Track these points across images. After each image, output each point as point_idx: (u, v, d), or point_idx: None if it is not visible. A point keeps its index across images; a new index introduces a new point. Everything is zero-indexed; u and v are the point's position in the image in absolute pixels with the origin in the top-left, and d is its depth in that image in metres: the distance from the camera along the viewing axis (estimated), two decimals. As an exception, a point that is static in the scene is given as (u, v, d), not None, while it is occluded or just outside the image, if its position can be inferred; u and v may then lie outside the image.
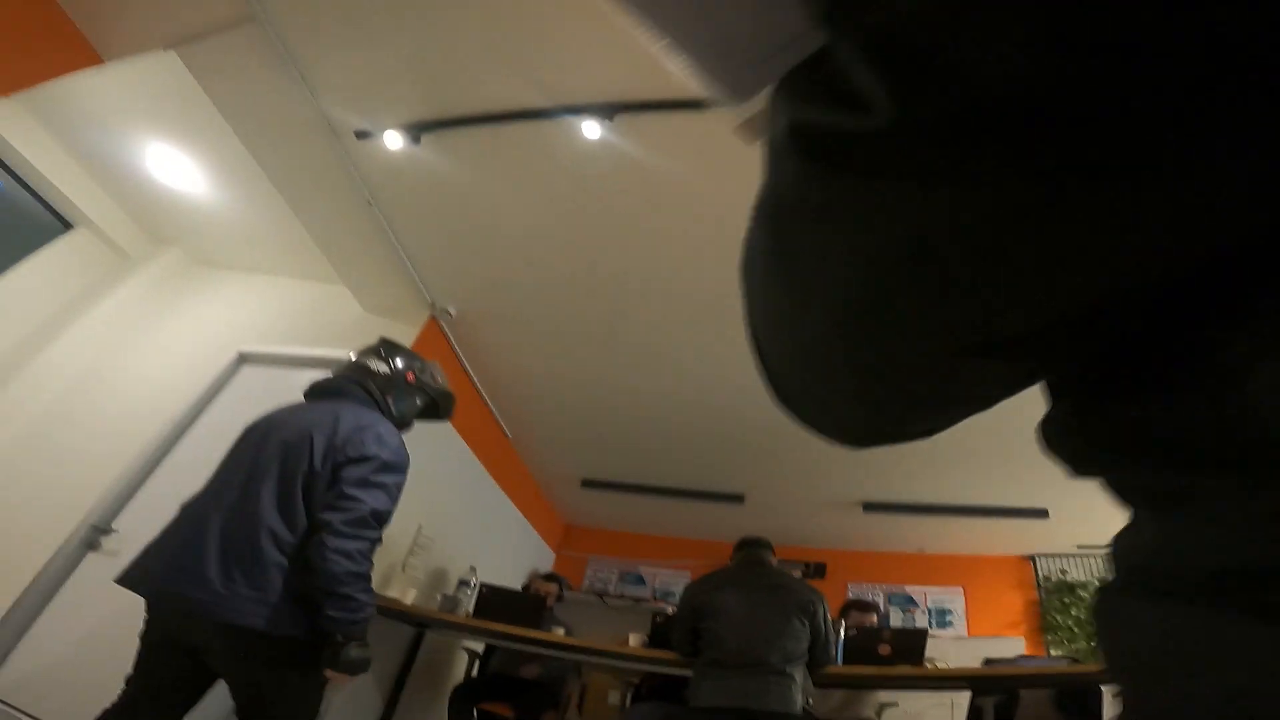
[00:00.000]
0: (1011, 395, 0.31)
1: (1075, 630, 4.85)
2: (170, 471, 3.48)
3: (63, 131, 3.65)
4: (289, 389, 3.61)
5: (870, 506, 5.14)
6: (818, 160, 0.23)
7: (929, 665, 3.04)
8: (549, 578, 4.32)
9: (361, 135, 2.77)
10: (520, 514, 5.31)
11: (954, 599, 5.98)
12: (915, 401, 0.31)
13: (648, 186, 2.74)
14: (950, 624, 5.88)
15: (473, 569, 3.90)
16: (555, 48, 2.29)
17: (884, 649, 2.91)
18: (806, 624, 2.55)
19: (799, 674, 2.44)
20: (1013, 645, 5.35)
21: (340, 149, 2.86)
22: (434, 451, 3.95)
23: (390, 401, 2.10)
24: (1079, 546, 5.87)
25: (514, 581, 4.35)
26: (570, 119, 2.49)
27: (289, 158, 3.02)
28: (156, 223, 4.21)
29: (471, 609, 3.51)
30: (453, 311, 3.77)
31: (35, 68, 2.47)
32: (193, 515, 1.78)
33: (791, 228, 0.27)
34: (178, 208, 3.97)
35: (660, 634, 3.10)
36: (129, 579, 1.74)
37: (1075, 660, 3.87)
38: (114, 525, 3.31)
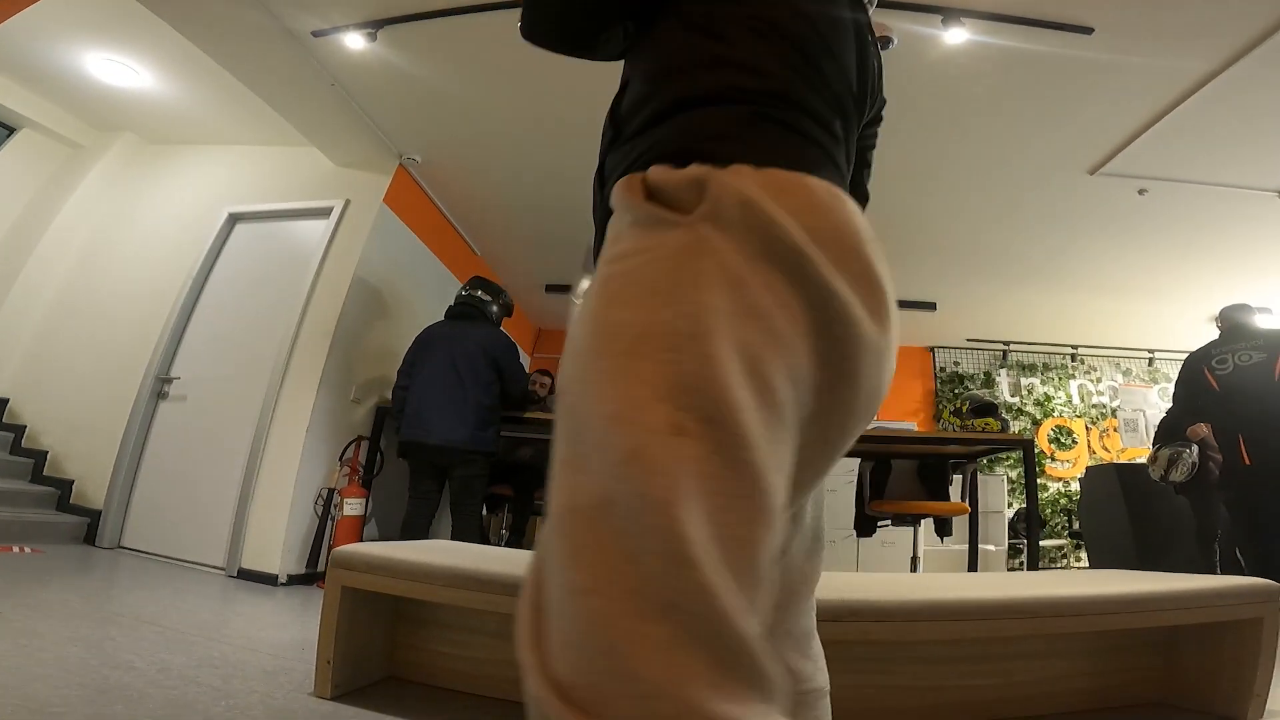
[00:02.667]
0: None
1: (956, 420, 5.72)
2: (203, 318, 4.06)
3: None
4: (283, 238, 4.20)
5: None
6: None
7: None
8: (542, 373, 5.02)
9: (319, 34, 3.06)
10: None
11: (867, 386, 7.05)
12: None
13: (575, 65, 3.15)
14: (864, 409, 6.99)
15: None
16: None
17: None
18: None
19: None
20: (906, 428, 6.38)
21: (299, 47, 3.15)
22: (422, 278, 4.58)
23: (495, 315, 3.75)
24: (968, 340, 6.93)
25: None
26: (505, 13, 2.82)
27: (249, 58, 3.30)
28: (101, 114, 4.45)
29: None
30: (419, 158, 4.22)
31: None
32: (425, 396, 3.38)
33: None
34: (122, 99, 4.21)
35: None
36: (414, 436, 3.37)
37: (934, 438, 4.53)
38: (173, 374, 3.95)
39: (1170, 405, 3.75)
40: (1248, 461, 3.14)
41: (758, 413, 0.50)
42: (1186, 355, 3.54)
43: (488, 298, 3.73)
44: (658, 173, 0.60)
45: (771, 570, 0.51)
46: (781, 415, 0.52)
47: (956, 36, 2.82)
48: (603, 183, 0.73)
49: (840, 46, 0.72)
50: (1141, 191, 3.97)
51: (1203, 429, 3.85)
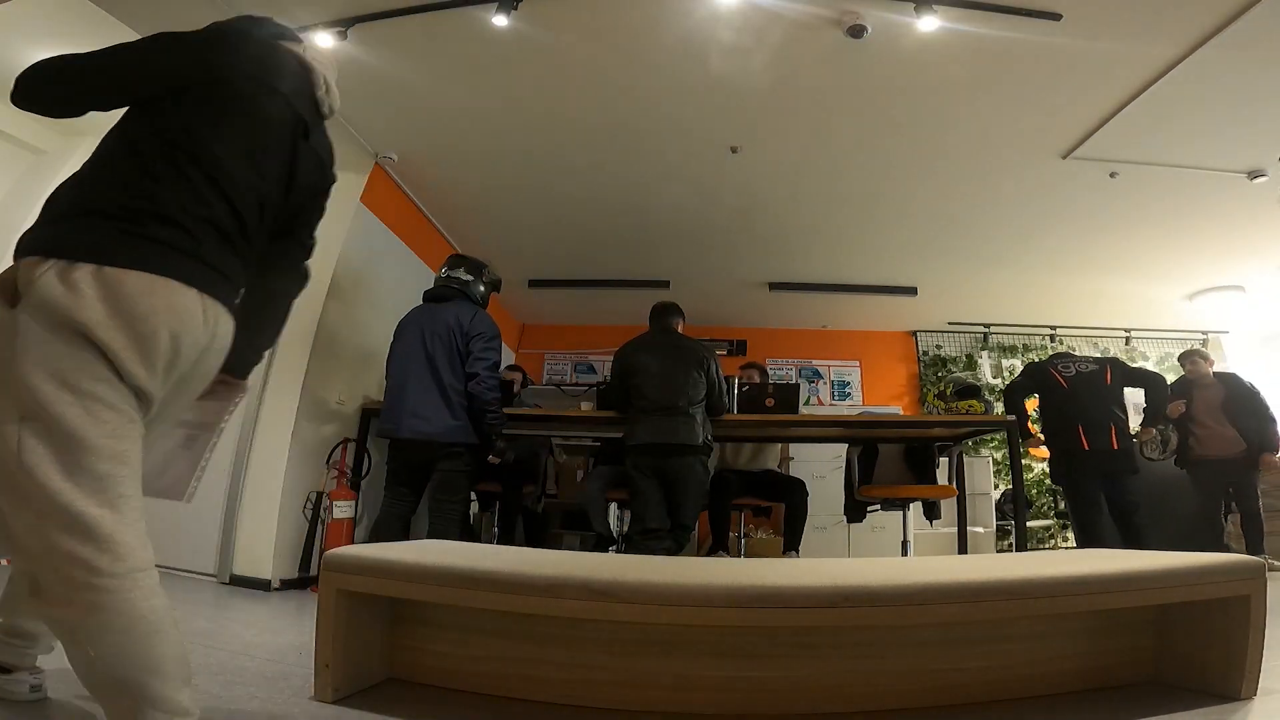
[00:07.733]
0: None
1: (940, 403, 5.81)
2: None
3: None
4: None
5: (775, 285, 6.06)
6: None
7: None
8: (512, 368, 5.04)
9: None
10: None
11: (852, 372, 7.13)
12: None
13: (551, 58, 3.12)
14: (849, 395, 7.08)
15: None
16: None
17: (768, 401, 3.83)
18: (702, 375, 3.36)
19: (699, 414, 3.31)
20: (892, 412, 6.43)
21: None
22: (402, 277, 4.52)
23: (478, 295, 3.42)
24: (950, 323, 7.01)
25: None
26: (479, 9, 2.82)
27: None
28: (64, 120, 4.34)
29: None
30: (395, 156, 4.20)
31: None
32: (400, 385, 3.17)
33: None
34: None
35: (603, 399, 3.89)
36: (384, 431, 3.22)
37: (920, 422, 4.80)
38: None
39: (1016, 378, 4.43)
40: (1086, 447, 3.87)
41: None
42: (1028, 364, 5.01)
43: (469, 276, 3.43)
44: None
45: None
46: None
47: (929, 24, 2.84)
48: None
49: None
50: (1113, 174, 4.04)
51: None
